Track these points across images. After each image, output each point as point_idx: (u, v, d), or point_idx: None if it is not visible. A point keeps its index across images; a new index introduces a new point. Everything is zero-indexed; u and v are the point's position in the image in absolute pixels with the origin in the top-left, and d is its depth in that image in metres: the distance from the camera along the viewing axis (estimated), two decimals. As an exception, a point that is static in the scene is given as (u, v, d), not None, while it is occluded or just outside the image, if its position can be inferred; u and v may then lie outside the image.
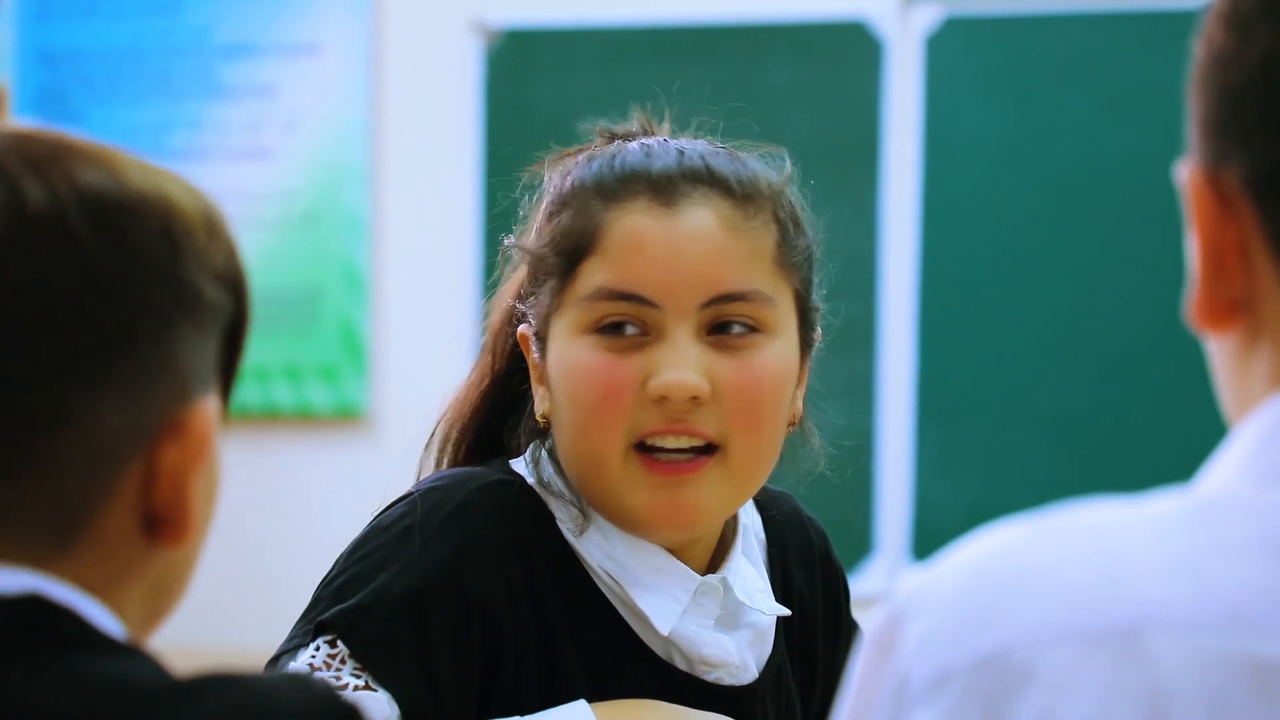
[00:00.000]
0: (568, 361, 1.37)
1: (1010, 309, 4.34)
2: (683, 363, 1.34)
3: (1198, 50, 0.85)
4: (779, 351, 1.39)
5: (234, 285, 0.95)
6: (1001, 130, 4.34)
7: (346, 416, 4.65)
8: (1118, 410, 4.28)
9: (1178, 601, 0.74)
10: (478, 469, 1.43)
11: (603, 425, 1.35)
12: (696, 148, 1.42)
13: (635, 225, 1.37)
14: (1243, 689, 0.72)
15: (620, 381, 1.35)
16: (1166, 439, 4.20)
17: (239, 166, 4.68)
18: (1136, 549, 0.77)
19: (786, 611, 1.48)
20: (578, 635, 1.38)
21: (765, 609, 1.46)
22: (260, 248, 4.64)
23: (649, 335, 1.36)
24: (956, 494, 4.34)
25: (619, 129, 1.49)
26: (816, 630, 1.54)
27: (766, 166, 1.44)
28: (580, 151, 1.48)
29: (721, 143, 1.46)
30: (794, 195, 1.44)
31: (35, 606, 0.86)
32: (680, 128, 1.47)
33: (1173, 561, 0.76)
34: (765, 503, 1.55)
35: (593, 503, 1.39)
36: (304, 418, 4.66)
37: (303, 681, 0.86)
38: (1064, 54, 4.32)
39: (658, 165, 1.39)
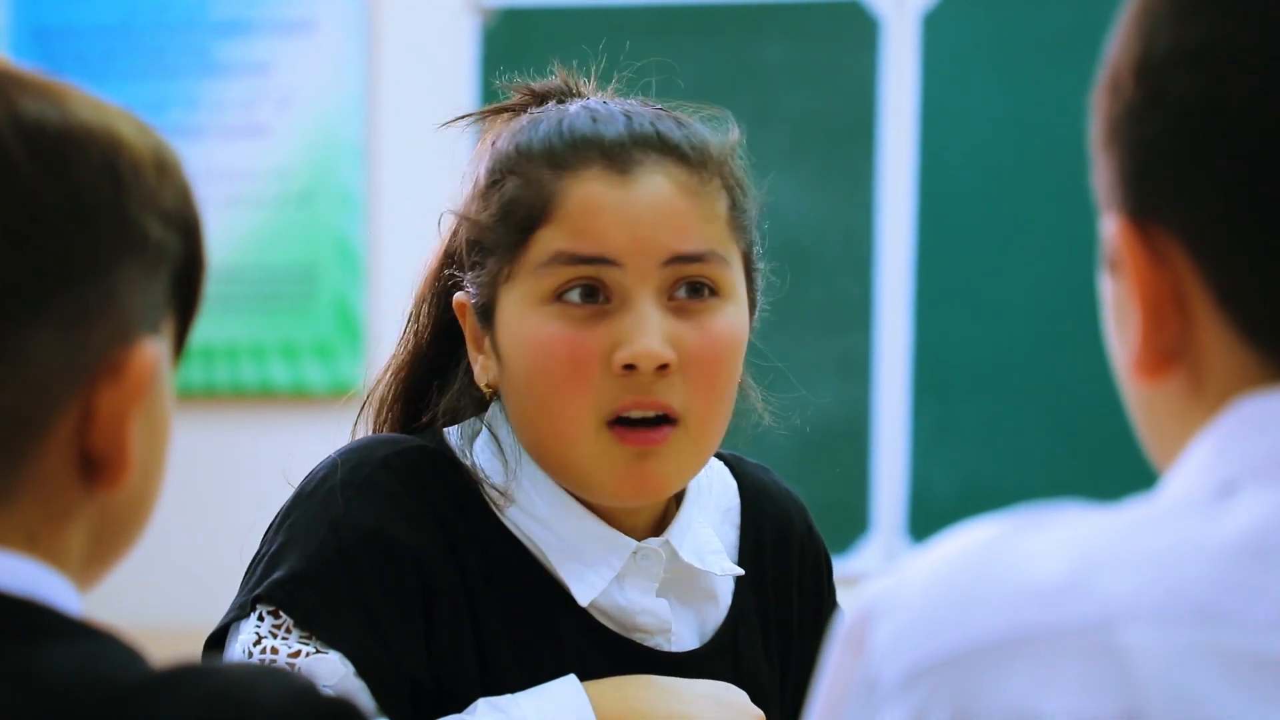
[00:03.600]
0: (528, 334, 1.35)
1: (1006, 287, 4.34)
2: (649, 330, 1.32)
3: (1102, 100, 0.85)
4: (734, 315, 1.38)
5: (185, 227, 0.91)
6: (998, 108, 4.34)
7: (342, 394, 4.64)
8: (1112, 388, 4.27)
9: (1147, 596, 0.75)
10: (397, 435, 1.44)
11: (572, 402, 1.33)
12: (643, 113, 1.40)
13: (592, 192, 1.34)
14: (1214, 680, 0.73)
15: (587, 355, 1.33)
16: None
17: (234, 144, 4.67)
18: (1104, 549, 0.77)
19: (739, 571, 1.47)
20: (504, 604, 1.37)
21: (718, 569, 1.45)
22: (255, 225, 4.64)
23: (611, 302, 1.34)
24: (952, 471, 4.34)
25: (539, 86, 1.48)
26: (791, 601, 1.53)
27: (713, 131, 1.42)
28: (504, 111, 1.47)
29: (661, 105, 1.43)
30: (741, 159, 1.43)
31: None
32: (663, 101, 1.46)
33: (1140, 560, 0.76)
34: (742, 472, 1.55)
35: (555, 471, 1.38)
36: (300, 396, 4.66)
37: (282, 675, 0.83)
38: (1061, 31, 4.31)
39: (609, 132, 1.37)
